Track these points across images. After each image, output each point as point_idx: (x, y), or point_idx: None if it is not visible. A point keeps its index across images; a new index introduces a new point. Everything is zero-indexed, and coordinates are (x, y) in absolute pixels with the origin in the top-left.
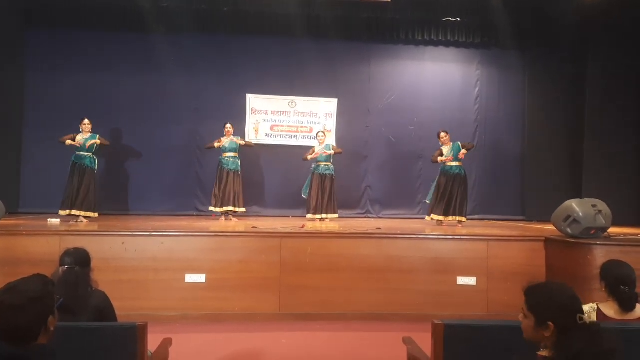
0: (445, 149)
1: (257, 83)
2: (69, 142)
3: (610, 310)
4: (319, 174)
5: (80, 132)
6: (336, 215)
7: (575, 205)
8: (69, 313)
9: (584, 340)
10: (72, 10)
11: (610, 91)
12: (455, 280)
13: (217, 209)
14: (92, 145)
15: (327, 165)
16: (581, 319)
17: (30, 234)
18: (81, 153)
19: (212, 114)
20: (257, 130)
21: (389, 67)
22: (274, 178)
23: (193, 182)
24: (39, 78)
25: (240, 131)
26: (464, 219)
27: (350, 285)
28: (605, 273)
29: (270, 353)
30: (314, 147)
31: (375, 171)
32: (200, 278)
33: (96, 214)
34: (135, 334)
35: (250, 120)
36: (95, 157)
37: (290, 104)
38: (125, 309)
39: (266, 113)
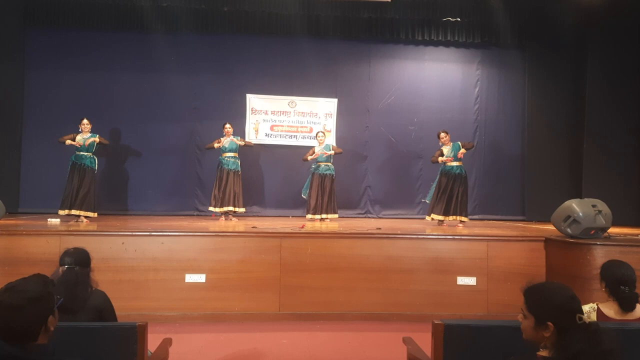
0: (446, 149)
1: (257, 83)
2: (68, 142)
3: (610, 310)
4: (319, 174)
5: (80, 132)
6: (336, 215)
7: (575, 205)
8: (69, 313)
9: (584, 340)
10: (72, 9)
11: (610, 91)
12: (455, 281)
13: (217, 209)
14: (92, 143)
15: (328, 166)
16: (580, 319)
17: (30, 233)
18: (81, 153)
19: (212, 113)
20: (257, 130)
21: (389, 67)
22: (274, 178)
23: (193, 182)
24: (38, 78)
25: (240, 131)
26: (466, 219)
27: (350, 285)
28: (605, 273)
29: (270, 353)
30: (313, 147)
31: (375, 171)
32: (200, 278)
33: (95, 214)
34: (135, 334)
35: (250, 120)
36: (95, 157)
37: (290, 104)
38: (125, 309)
39: (266, 113)
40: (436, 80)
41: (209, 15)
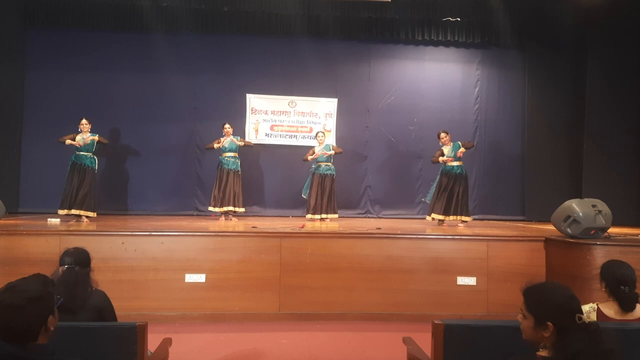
0: (446, 149)
1: (257, 83)
2: (68, 141)
3: (610, 310)
4: (319, 174)
5: (79, 133)
6: (336, 215)
7: (575, 205)
8: (69, 313)
9: (583, 340)
10: (72, 9)
11: (610, 91)
12: (455, 281)
13: (217, 209)
14: (92, 142)
15: (328, 166)
16: (580, 318)
17: (30, 233)
18: (81, 153)
19: (211, 113)
20: (257, 130)
21: (389, 66)
22: (274, 178)
23: (193, 182)
24: (38, 78)
25: (240, 131)
26: (468, 219)
27: (350, 285)
28: (605, 273)
29: (270, 353)
30: (314, 147)
31: (375, 171)
32: (200, 278)
33: (95, 214)
34: (135, 334)
35: (250, 120)
36: (95, 157)
37: (290, 104)
38: (125, 309)
39: (266, 113)
40: (436, 80)
41: (209, 15)
